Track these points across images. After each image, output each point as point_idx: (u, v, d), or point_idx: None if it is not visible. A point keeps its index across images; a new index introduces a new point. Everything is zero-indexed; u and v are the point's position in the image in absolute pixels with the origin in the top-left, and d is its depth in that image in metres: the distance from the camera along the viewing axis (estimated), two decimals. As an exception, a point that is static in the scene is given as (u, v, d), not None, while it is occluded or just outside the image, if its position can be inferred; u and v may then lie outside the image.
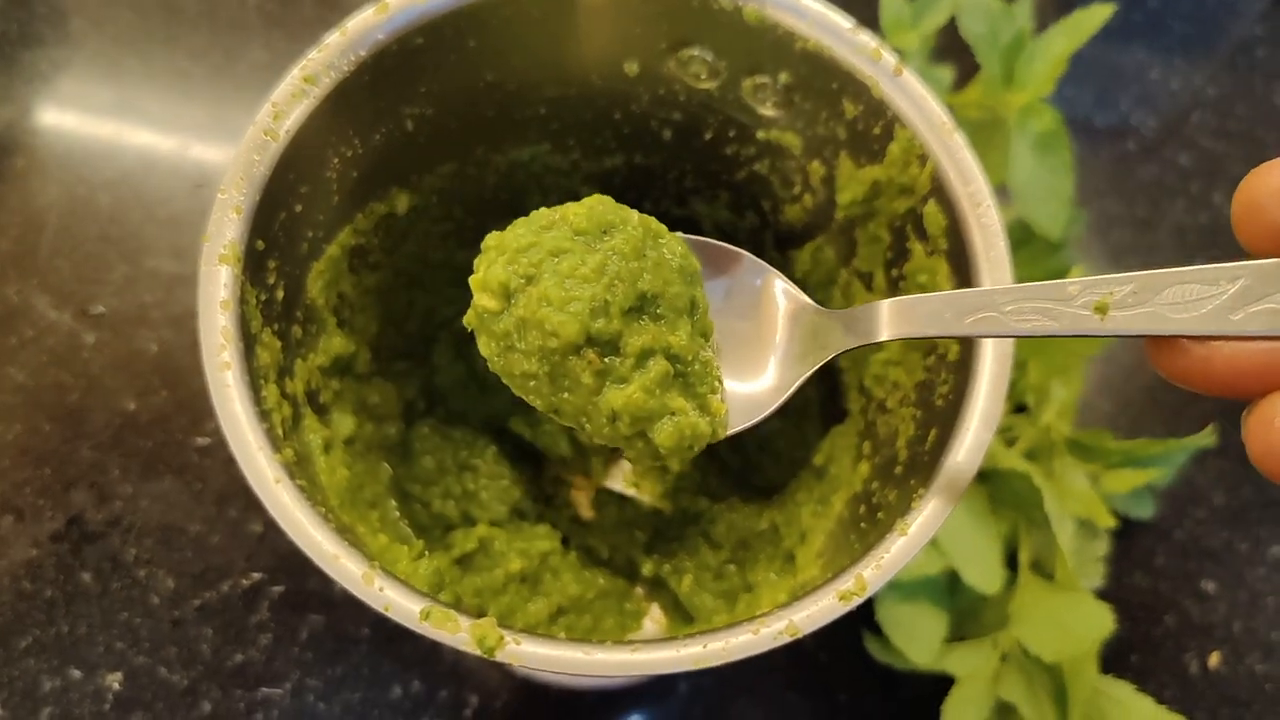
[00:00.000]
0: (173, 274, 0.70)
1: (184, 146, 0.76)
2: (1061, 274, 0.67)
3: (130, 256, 0.70)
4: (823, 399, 0.55)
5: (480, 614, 0.46)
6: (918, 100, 0.41)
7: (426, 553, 0.48)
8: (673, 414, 0.37)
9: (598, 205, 0.38)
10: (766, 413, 0.39)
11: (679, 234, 0.41)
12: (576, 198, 0.54)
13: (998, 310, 0.31)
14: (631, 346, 0.36)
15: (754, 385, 0.40)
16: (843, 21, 0.42)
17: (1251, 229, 0.27)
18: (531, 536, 0.52)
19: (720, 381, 0.40)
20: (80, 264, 0.70)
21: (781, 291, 0.41)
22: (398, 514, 0.52)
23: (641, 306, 0.37)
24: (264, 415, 0.36)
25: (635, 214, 0.39)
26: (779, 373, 0.40)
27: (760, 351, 0.41)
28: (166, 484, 0.63)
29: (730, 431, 0.39)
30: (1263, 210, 0.27)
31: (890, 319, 0.36)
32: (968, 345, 0.38)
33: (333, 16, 0.41)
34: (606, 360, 0.36)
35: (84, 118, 0.76)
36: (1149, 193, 0.80)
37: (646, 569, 0.53)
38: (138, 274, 0.70)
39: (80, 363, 0.66)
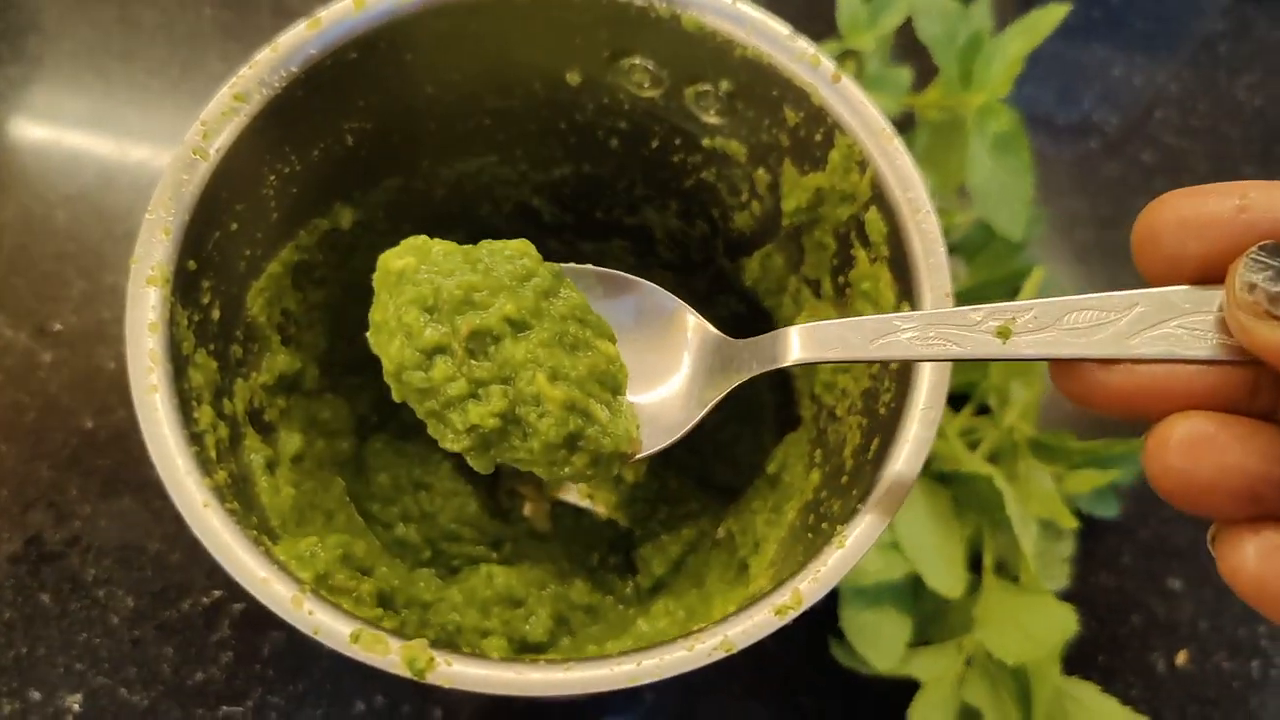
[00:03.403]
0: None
1: (143, 161, 0.75)
2: (1023, 274, 0.66)
3: (88, 273, 0.70)
4: (778, 406, 0.55)
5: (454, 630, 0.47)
6: (857, 107, 0.41)
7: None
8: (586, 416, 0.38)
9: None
10: (678, 436, 0.40)
11: (589, 267, 0.43)
12: (527, 208, 0.54)
13: (899, 335, 0.33)
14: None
15: (667, 410, 0.41)
16: (780, 28, 0.42)
17: (1149, 258, 0.29)
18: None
19: (632, 407, 0.41)
20: (37, 282, 0.69)
21: (688, 320, 0.42)
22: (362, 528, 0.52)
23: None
24: (195, 438, 0.36)
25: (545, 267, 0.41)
26: (689, 398, 0.41)
27: (671, 378, 0.42)
28: (125, 502, 0.63)
29: (643, 454, 0.40)
30: (1160, 241, 0.28)
31: (798, 344, 0.36)
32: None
33: (289, 27, 0.40)
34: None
35: (41, 134, 0.76)
36: (1112, 190, 0.80)
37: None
38: (96, 291, 0.69)
39: (37, 381, 0.66)
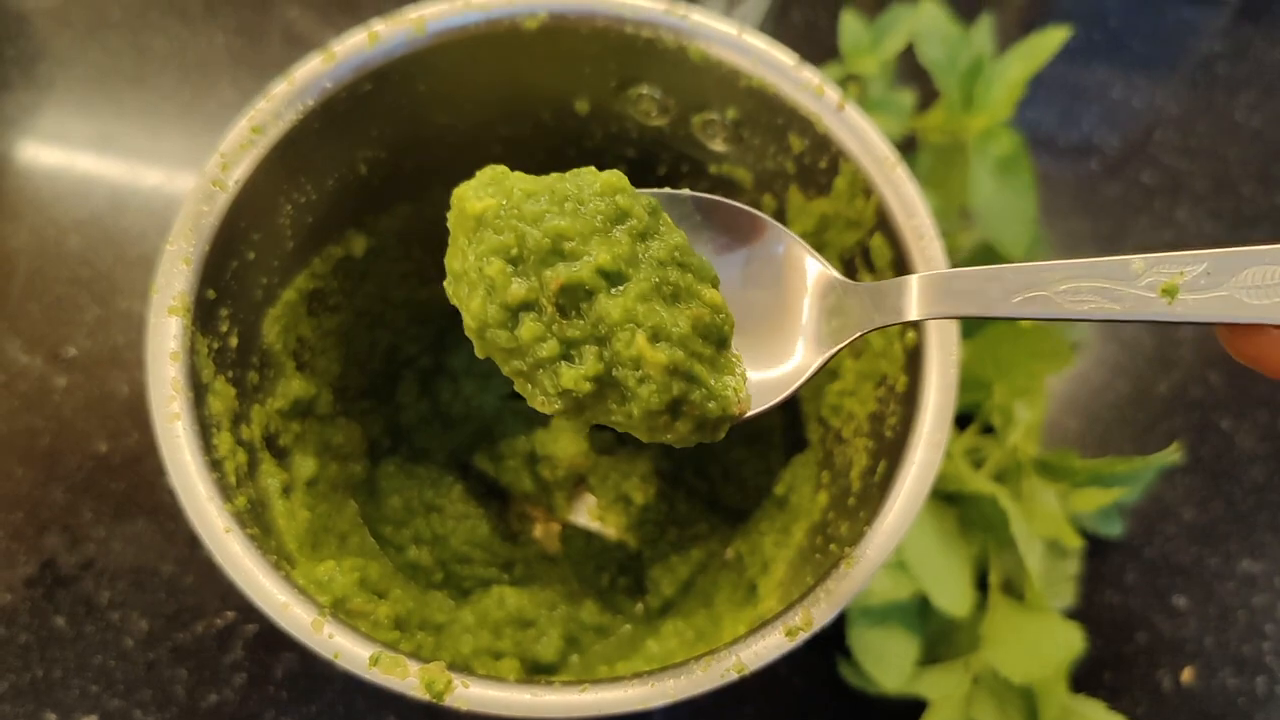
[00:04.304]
0: (144, 315, 0.70)
1: (155, 186, 0.76)
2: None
3: (101, 298, 0.71)
4: (785, 428, 0.56)
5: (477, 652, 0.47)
6: (861, 135, 0.42)
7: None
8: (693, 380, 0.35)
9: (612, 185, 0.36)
10: (788, 393, 0.36)
11: (685, 192, 0.39)
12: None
13: (1049, 289, 0.28)
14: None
15: (775, 364, 0.37)
16: (785, 58, 0.43)
17: None
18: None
19: (739, 360, 0.37)
20: (51, 307, 0.70)
21: (807, 261, 0.37)
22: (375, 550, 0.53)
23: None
24: (215, 464, 0.36)
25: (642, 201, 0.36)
26: (803, 351, 0.37)
27: (782, 327, 0.37)
28: (139, 525, 0.63)
29: (752, 412, 0.36)
30: None
31: (922, 295, 0.32)
32: (915, 378, 0.39)
33: (300, 55, 0.41)
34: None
35: (54, 160, 0.77)
36: (1113, 210, 0.81)
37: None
38: (109, 315, 0.70)
39: (52, 406, 0.66)
